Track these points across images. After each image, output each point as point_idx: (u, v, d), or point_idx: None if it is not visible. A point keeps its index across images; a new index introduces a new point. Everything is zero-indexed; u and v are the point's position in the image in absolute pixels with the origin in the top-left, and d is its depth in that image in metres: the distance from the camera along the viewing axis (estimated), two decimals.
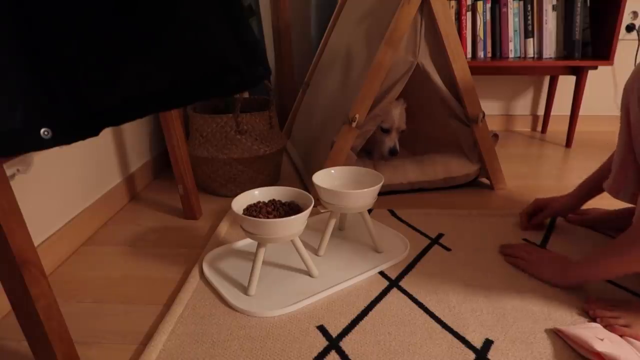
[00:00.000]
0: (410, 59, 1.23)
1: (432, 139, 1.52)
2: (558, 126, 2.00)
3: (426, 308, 0.82)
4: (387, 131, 1.42)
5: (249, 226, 0.82)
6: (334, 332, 0.76)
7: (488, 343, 0.73)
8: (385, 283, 0.90)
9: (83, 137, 0.56)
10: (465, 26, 1.76)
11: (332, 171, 1.02)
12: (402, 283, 0.90)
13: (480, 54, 1.78)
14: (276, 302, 0.84)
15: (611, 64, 1.66)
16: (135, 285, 0.93)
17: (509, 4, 1.73)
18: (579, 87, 1.74)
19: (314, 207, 0.86)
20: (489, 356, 0.70)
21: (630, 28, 1.88)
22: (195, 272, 0.93)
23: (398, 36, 1.17)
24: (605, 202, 1.05)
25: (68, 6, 0.52)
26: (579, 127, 1.82)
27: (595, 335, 0.70)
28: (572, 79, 1.78)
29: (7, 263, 0.58)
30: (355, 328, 0.77)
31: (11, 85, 0.49)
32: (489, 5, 1.75)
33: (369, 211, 1.16)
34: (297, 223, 0.82)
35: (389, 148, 1.43)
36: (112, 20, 0.54)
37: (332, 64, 1.56)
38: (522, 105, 2.08)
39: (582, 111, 1.77)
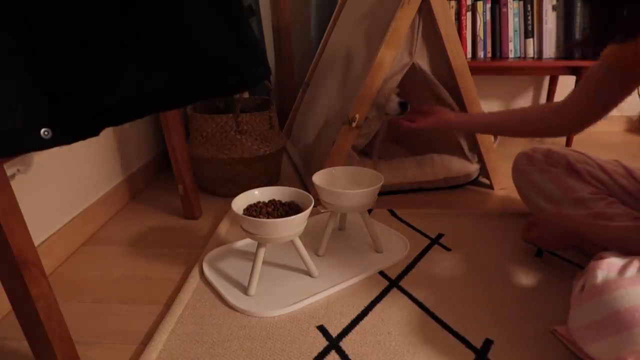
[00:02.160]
0: (406, 59, 1.23)
1: (432, 139, 1.52)
2: None
3: (426, 308, 0.82)
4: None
5: (249, 226, 0.82)
6: (334, 332, 0.76)
7: (488, 343, 0.73)
8: (385, 283, 0.90)
9: (83, 137, 0.56)
10: (465, 26, 1.76)
11: (332, 171, 1.02)
12: (402, 283, 0.90)
13: (480, 54, 1.78)
14: (276, 302, 0.84)
15: None
16: (135, 285, 0.93)
17: (509, 4, 1.73)
18: None
19: (314, 207, 0.86)
20: (489, 356, 0.70)
21: None
22: (195, 272, 0.93)
23: (398, 37, 1.17)
24: None
25: (68, 6, 0.52)
26: None
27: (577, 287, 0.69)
28: (572, 79, 1.77)
29: (7, 263, 0.58)
30: (355, 328, 0.77)
31: (11, 85, 0.49)
32: (489, 5, 1.75)
33: (369, 211, 1.16)
34: (297, 223, 0.82)
35: (398, 104, 1.27)
36: (112, 20, 0.54)
37: (332, 64, 1.56)
38: (522, 105, 2.07)
39: None
